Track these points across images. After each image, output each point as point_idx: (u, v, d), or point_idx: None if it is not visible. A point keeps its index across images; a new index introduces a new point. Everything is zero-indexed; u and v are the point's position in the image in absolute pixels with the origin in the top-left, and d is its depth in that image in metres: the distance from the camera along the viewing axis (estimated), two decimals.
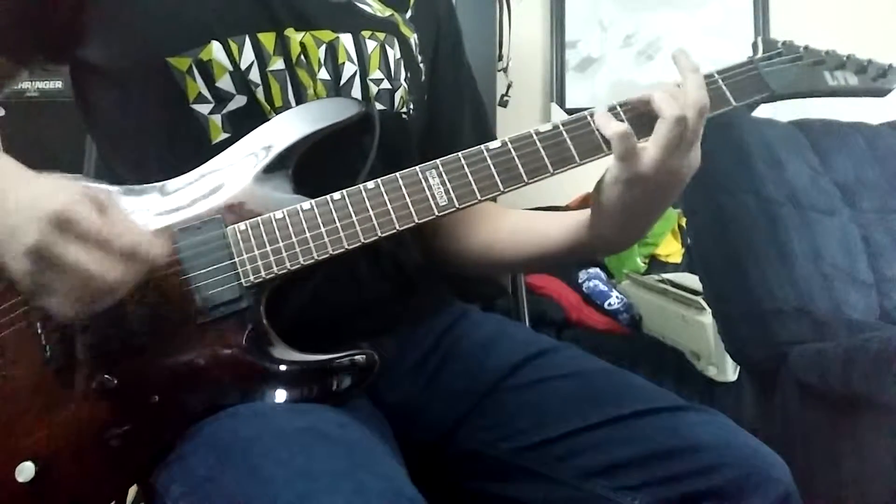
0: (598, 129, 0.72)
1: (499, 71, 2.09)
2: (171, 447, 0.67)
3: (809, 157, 1.58)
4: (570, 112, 2.69)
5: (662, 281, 2.01)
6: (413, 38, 0.88)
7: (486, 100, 1.01)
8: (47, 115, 1.88)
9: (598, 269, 2.18)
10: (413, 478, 0.62)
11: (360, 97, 0.81)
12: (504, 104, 2.10)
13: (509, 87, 2.12)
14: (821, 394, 1.26)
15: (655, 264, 2.25)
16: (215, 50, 0.73)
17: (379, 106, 0.80)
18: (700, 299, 1.79)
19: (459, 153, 0.72)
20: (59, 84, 1.94)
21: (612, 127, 0.70)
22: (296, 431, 0.61)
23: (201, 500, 0.61)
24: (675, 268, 2.22)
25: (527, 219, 0.91)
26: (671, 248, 2.27)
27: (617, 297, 2.07)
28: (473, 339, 0.86)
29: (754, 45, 0.81)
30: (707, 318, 1.76)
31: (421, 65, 0.89)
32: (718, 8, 2.51)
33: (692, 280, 1.88)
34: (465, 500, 0.81)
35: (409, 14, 0.89)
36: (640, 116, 0.72)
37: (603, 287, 2.09)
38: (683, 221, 2.19)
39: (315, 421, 0.63)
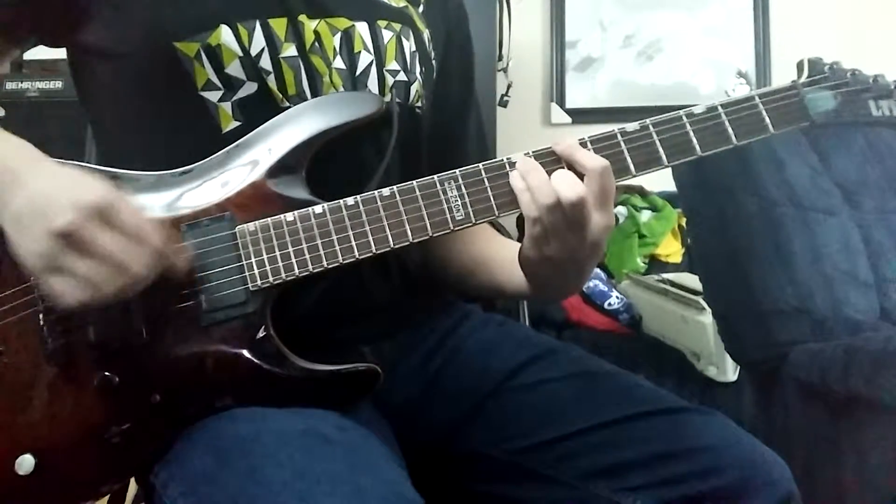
0: (626, 150, 0.70)
1: (499, 71, 2.09)
2: (170, 446, 0.67)
3: (809, 157, 1.58)
4: (570, 112, 2.68)
5: (662, 281, 2.01)
6: (426, 33, 0.86)
7: (486, 100, 1.00)
8: (47, 115, 1.88)
9: (598, 269, 2.18)
10: (415, 479, 0.62)
11: (376, 88, 0.78)
12: (504, 104, 2.10)
13: (509, 87, 2.12)
14: (821, 394, 1.26)
15: (655, 264, 2.25)
16: (224, 34, 0.71)
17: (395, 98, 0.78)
18: (700, 299, 1.79)
19: (480, 165, 0.69)
20: (59, 84, 1.94)
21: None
22: (296, 433, 0.61)
23: (200, 500, 0.61)
24: (675, 268, 2.23)
25: (507, 252, 0.87)
26: (671, 248, 2.27)
27: (617, 297, 2.07)
28: (475, 340, 0.86)
29: (799, 66, 0.76)
30: (707, 318, 1.76)
31: (433, 61, 0.87)
32: (718, 8, 2.51)
33: (692, 280, 1.88)
34: (466, 501, 0.81)
35: (421, 8, 0.88)
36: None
37: (603, 287, 2.09)
38: (683, 221, 2.19)
39: (315, 423, 0.63)
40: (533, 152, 0.69)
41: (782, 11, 2.49)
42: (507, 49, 2.10)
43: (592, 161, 0.66)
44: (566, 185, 0.65)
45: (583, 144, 0.69)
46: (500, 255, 0.86)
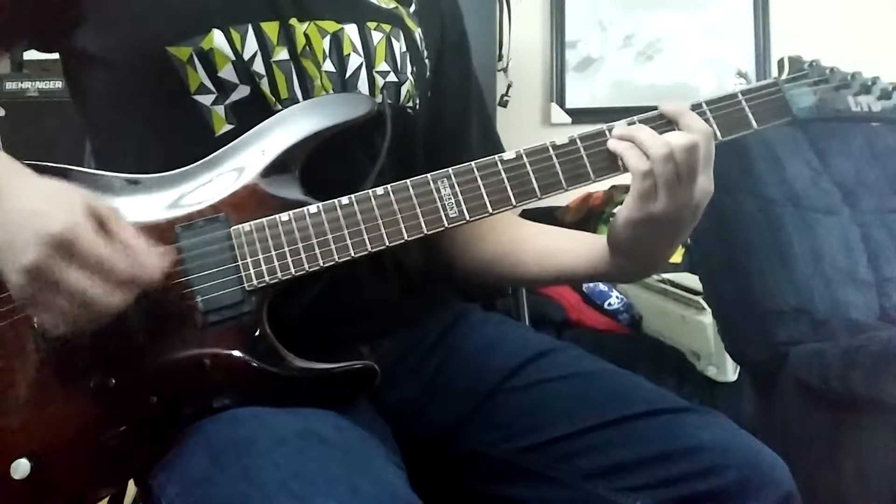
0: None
1: (499, 71, 2.09)
2: (168, 448, 0.66)
3: (809, 157, 1.58)
4: (570, 112, 2.67)
5: (662, 281, 2.01)
6: (418, 33, 0.86)
7: (485, 100, 1.00)
8: (47, 115, 1.88)
9: None
10: (414, 478, 0.62)
11: (366, 90, 0.79)
12: (504, 104, 2.10)
13: (509, 87, 2.12)
14: (821, 394, 1.26)
15: None
16: (216, 39, 0.71)
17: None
18: (700, 299, 1.79)
19: (472, 163, 0.70)
20: (59, 84, 1.94)
21: (636, 165, 0.69)
22: (292, 434, 0.61)
23: (196, 502, 0.61)
24: (675, 268, 2.22)
25: (549, 238, 0.88)
26: None
27: (617, 297, 2.07)
28: (474, 339, 0.86)
29: (780, 64, 0.79)
30: (707, 318, 1.76)
31: (426, 60, 0.87)
32: (718, 8, 2.51)
33: (692, 280, 1.88)
34: (466, 501, 0.81)
35: (412, 8, 0.88)
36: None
37: (603, 287, 2.09)
38: None
39: (311, 423, 0.63)
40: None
41: (782, 11, 2.49)
42: (507, 49, 2.10)
43: (700, 123, 0.70)
44: (677, 135, 0.68)
45: (572, 140, 0.71)
46: (556, 237, 0.87)
